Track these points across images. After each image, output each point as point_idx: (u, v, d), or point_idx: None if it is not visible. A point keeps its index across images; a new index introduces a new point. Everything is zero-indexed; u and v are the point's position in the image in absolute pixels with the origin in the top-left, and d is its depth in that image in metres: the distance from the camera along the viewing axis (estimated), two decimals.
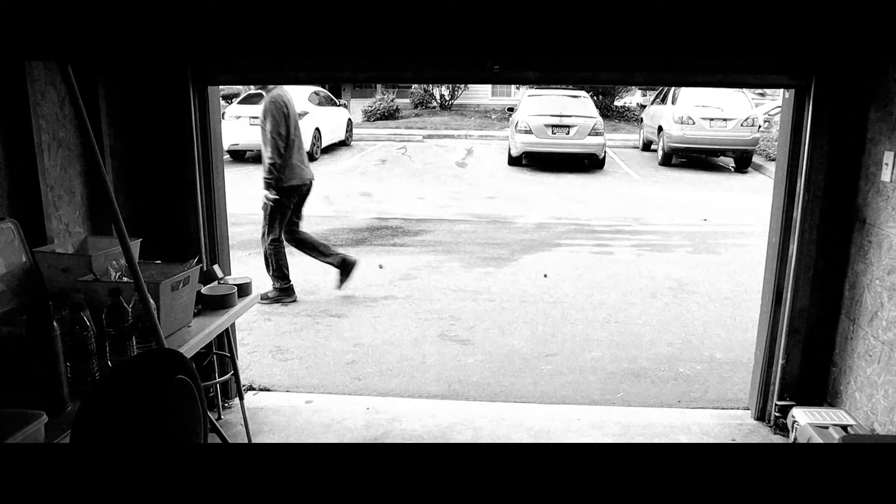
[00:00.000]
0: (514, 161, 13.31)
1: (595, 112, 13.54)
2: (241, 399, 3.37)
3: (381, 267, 6.52)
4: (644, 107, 17.32)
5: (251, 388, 3.91)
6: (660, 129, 13.78)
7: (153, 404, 1.48)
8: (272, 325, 4.97)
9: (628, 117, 21.32)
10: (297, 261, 5.68)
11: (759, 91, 17.07)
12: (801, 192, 3.20)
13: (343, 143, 15.80)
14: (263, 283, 5.30)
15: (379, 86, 23.38)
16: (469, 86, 22.29)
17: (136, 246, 2.68)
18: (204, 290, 2.87)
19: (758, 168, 13.19)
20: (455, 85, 22.31)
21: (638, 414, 3.68)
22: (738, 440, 3.40)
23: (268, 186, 5.05)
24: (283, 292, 5.39)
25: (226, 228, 3.62)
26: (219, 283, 3.04)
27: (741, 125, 12.78)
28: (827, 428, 2.94)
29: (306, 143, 13.06)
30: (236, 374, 3.28)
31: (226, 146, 11.26)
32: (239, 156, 13.05)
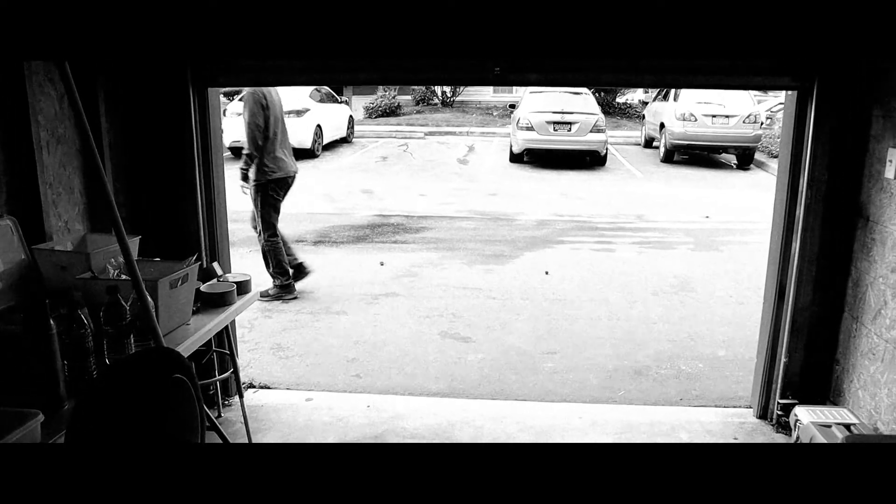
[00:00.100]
0: (515, 158, 13.29)
1: (597, 109, 13.50)
2: (241, 397, 3.37)
3: (382, 264, 6.52)
4: (646, 104, 17.30)
5: (251, 386, 3.91)
6: (662, 125, 13.76)
7: (150, 403, 1.47)
8: (272, 323, 4.96)
9: (630, 114, 21.28)
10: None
11: None
12: (804, 189, 3.18)
13: (344, 140, 15.79)
14: (263, 280, 5.29)
15: None
16: None
17: (134, 244, 2.67)
18: (203, 287, 2.86)
19: (760, 165, 13.16)
20: None
21: (639, 412, 3.67)
22: (741, 439, 3.38)
23: (244, 177, 5.09)
24: (284, 289, 5.39)
25: (226, 228, 3.62)
26: (218, 280, 3.03)
27: (743, 122, 12.75)
28: (830, 427, 2.92)
29: (308, 140, 13.13)
30: (236, 372, 3.27)
31: (227, 143, 11.24)
32: (240, 153, 13.00)
